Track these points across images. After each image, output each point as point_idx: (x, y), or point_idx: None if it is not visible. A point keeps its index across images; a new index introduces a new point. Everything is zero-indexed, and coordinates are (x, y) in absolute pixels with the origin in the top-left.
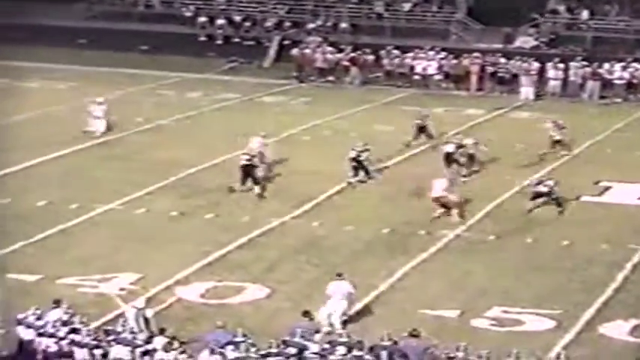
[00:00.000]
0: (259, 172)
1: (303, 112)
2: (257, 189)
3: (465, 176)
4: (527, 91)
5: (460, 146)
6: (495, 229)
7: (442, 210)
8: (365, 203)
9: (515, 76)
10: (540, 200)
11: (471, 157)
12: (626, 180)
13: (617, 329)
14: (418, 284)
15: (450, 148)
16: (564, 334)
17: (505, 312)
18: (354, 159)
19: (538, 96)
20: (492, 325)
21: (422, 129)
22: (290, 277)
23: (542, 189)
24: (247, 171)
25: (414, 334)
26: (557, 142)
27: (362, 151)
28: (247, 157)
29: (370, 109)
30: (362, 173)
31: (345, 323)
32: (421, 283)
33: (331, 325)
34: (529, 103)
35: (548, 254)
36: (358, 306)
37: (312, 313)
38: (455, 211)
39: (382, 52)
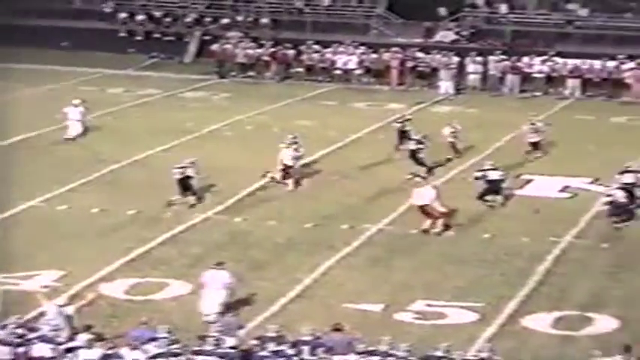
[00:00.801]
0: (194, 183)
1: (225, 107)
2: (192, 200)
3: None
4: (446, 85)
5: (420, 142)
6: (418, 223)
7: (429, 221)
8: (288, 198)
9: (436, 70)
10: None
11: (453, 147)
12: (546, 173)
13: (539, 322)
14: (342, 278)
15: (412, 145)
16: (487, 327)
17: (428, 305)
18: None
19: (458, 90)
20: (416, 318)
21: (403, 133)
22: None
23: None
24: (184, 184)
25: (337, 329)
26: (534, 144)
27: (291, 144)
28: (180, 170)
29: (292, 103)
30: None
31: (222, 314)
32: (345, 278)
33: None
34: (449, 97)
35: (471, 247)
36: (282, 300)
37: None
38: (440, 221)
39: (303, 47)
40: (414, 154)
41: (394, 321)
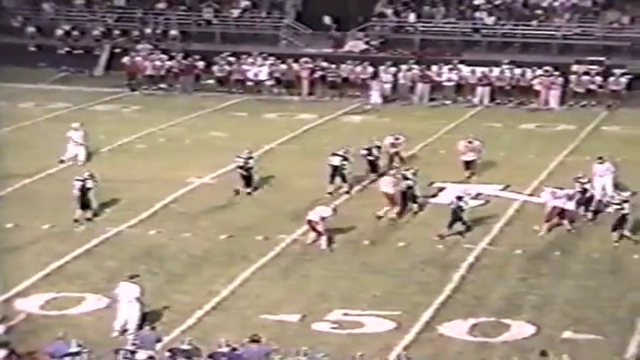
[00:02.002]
0: (92, 195)
1: (136, 119)
2: (88, 214)
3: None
4: (376, 95)
5: (345, 158)
6: (333, 233)
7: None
8: (202, 210)
9: (346, 80)
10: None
11: (395, 157)
12: (458, 180)
13: (456, 329)
14: (258, 290)
15: (335, 161)
16: (404, 335)
17: (346, 315)
18: (241, 167)
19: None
20: (333, 328)
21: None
22: None
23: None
24: (82, 197)
25: (254, 340)
26: (469, 163)
27: (248, 159)
28: (80, 182)
29: (204, 115)
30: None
31: (139, 327)
32: (261, 289)
33: (126, 331)
34: (377, 107)
35: (385, 256)
36: (199, 313)
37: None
38: (324, 238)
39: (217, 58)
40: (336, 170)
41: (311, 331)
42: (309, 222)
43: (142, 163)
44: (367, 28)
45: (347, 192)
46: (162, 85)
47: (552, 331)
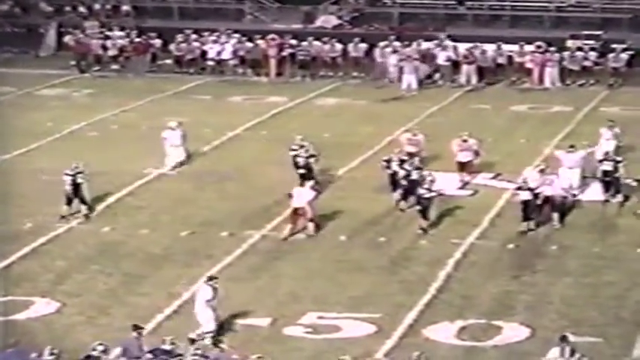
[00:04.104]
0: (85, 191)
1: (87, 104)
2: (84, 209)
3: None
4: (409, 79)
5: (313, 155)
6: (306, 227)
7: (291, 226)
8: (161, 204)
9: (315, 59)
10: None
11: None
12: (443, 169)
13: (442, 332)
14: (224, 291)
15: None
16: (386, 340)
17: (320, 318)
18: (296, 165)
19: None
20: (307, 332)
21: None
22: (82, 289)
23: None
24: (74, 192)
25: (217, 345)
26: (463, 164)
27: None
28: (71, 177)
29: (160, 99)
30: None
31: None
32: (228, 290)
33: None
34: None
35: (365, 253)
36: (159, 317)
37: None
38: (311, 224)
39: (172, 37)
40: (300, 166)
41: (283, 336)
42: (296, 211)
43: (93, 152)
44: (340, 1)
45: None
46: (115, 67)
47: (548, 334)
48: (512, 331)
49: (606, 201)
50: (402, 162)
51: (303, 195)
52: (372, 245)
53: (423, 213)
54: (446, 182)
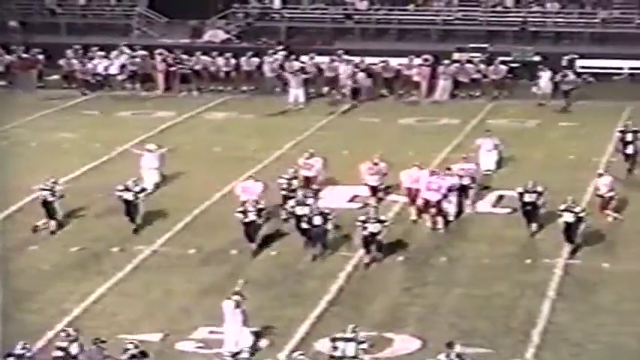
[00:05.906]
0: (57, 206)
1: None
2: (52, 224)
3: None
4: (296, 93)
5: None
6: (196, 242)
7: None
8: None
9: (200, 74)
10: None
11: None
12: (334, 182)
13: None
14: (115, 307)
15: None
16: (277, 353)
17: (212, 332)
18: (284, 189)
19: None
20: (199, 347)
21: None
22: None
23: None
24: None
25: None
26: (374, 188)
27: (291, 179)
28: (47, 191)
29: (50, 114)
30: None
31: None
32: (118, 306)
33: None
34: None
35: (257, 266)
36: (50, 334)
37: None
38: None
39: (69, 52)
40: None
41: (175, 351)
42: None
43: None
44: (228, 15)
45: None
46: (2, 83)
47: (439, 345)
48: (404, 343)
49: (533, 234)
50: (259, 210)
51: (251, 188)
52: (265, 259)
53: (323, 243)
54: (337, 195)
